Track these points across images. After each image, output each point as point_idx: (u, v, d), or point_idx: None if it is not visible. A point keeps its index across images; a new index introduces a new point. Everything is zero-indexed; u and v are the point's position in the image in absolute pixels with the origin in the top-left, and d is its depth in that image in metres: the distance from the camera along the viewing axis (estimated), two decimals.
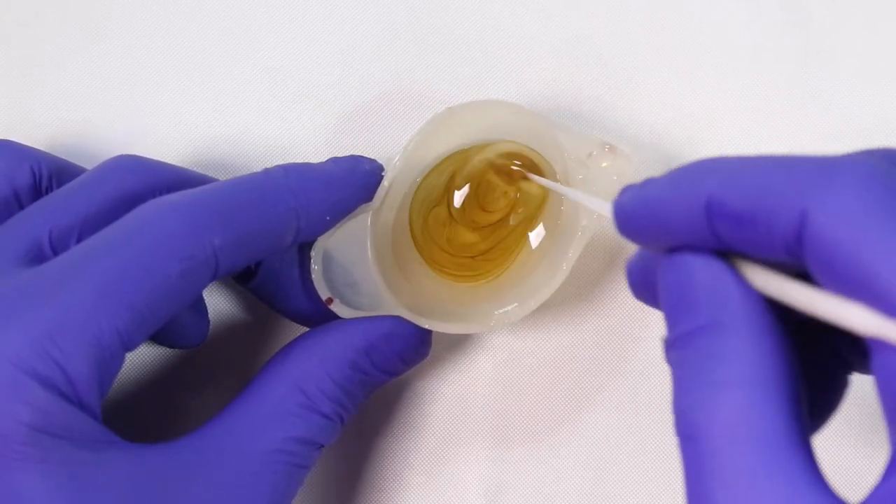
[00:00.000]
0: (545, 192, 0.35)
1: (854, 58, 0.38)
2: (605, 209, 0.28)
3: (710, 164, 0.24)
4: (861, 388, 0.28)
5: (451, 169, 0.35)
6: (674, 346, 0.24)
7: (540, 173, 0.35)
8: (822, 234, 0.22)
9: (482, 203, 0.35)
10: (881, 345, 0.21)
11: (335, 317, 0.33)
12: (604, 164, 0.34)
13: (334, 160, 0.33)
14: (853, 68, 0.38)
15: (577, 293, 0.37)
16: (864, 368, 0.28)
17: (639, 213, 0.25)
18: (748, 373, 0.22)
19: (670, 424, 0.36)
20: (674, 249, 0.25)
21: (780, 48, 0.38)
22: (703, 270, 0.24)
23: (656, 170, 0.37)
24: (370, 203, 0.34)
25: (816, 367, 0.27)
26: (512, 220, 0.35)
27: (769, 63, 0.38)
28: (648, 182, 0.26)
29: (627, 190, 0.26)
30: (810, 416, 0.26)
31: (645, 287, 0.28)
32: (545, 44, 0.39)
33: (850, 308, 0.21)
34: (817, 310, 0.22)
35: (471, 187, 0.35)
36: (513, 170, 0.35)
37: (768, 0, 0.39)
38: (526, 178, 0.35)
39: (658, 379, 0.37)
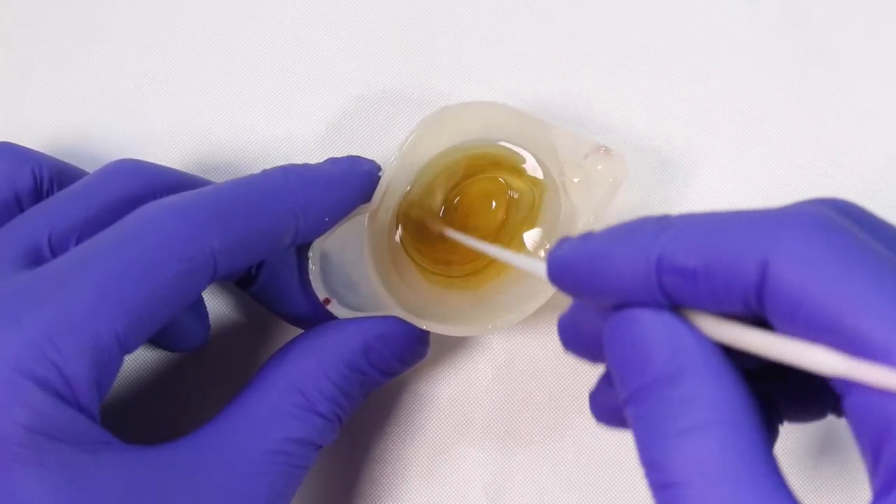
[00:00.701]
0: (538, 195, 0.35)
1: (854, 58, 0.38)
2: (537, 269, 0.27)
3: (655, 221, 0.24)
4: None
5: (440, 177, 0.35)
6: (631, 401, 0.24)
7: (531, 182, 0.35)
8: (785, 283, 0.22)
9: (472, 220, 0.35)
10: (850, 386, 0.21)
11: (334, 319, 0.33)
12: (599, 167, 0.34)
13: (332, 161, 0.33)
14: (853, 68, 0.38)
15: None
16: (797, 416, 0.28)
17: (579, 266, 0.25)
18: (716, 413, 0.22)
19: None
20: (616, 305, 0.25)
21: (780, 48, 0.38)
22: (655, 324, 0.24)
23: (651, 172, 0.38)
24: (368, 204, 0.34)
25: None
26: (503, 232, 0.35)
27: (769, 63, 0.38)
28: (589, 235, 0.25)
29: (564, 242, 0.26)
30: None
31: (577, 341, 0.28)
32: (541, 44, 0.39)
33: (814, 351, 0.21)
34: (780, 355, 0.22)
35: (460, 203, 0.35)
36: (431, 228, 0.35)
37: (769, 1, 0.39)
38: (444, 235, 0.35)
39: None
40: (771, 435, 0.28)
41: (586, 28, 0.39)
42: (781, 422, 0.28)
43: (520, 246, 0.35)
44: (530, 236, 0.35)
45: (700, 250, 0.23)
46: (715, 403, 0.22)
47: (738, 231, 0.23)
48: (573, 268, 0.25)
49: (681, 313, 0.24)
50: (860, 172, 0.38)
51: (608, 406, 0.28)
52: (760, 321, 0.23)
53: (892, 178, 0.37)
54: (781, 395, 0.28)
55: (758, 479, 0.22)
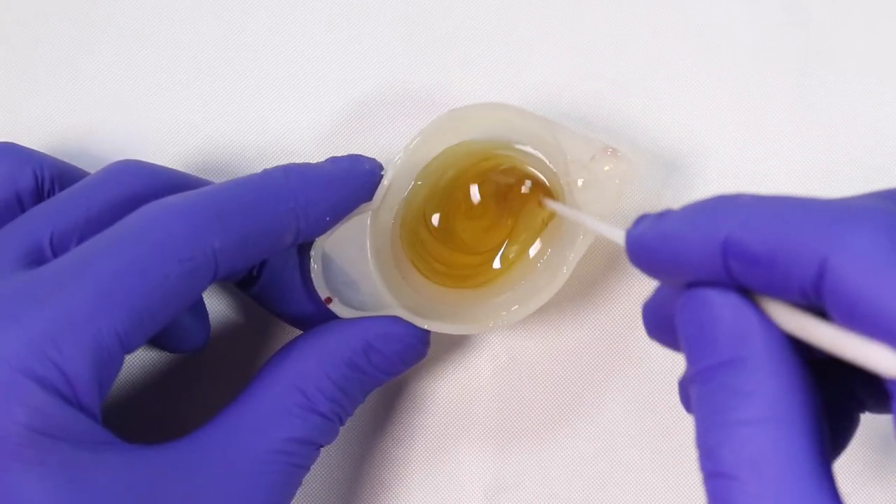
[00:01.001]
0: (551, 216, 0.35)
1: (854, 58, 0.38)
2: (617, 237, 0.27)
3: (727, 202, 0.24)
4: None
5: (445, 177, 0.35)
6: (695, 381, 0.24)
7: (546, 191, 0.35)
8: (843, 281, 0.22)
9: (479, 219, 0.35)
10: None
11: (335, 320, 0.33)
12: (606, 168, 0.34)
13: (333, 160, 0.33)
14: (853, 68, 0.38)
15: (577, 294, 0.37)
16: (877, 408, 0.28)
17: (653, 246, 0.25)
18: (773, 409, 0.22)
19: (669, 425, 0.36)
20: (691, 284, 0.25)
21: (780, 48, 0.38)
22: (724, 306, 0.24)
23: (657, 173, 0.37)
24: (370, 203, 0.34)
25: (829, 403, 0.27)
26: (513, 247, 0.35)
27: (770, 63, 0.38)
28: (665, 214, 0.25)
29: (643, 220, 0.26)
30: None
31: (661, 326, 0.28)
32: (547, 45, 0.39)
33: (874, 349, 0.21)
34: (841, 350, 0.22)
35: (466, 203, 0.35)
36: (527, 194, 0.35)
37: (769, 1, 0.39)
38: (541, 204, 0.35)
39: (658, 378, 0.37)
40: (851, 425, 0.28)
41: (587, 28, 0.39)
42: (863, 410, 0.28)
43: (525, 245, 0.35)
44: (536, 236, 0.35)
45: (764, 238, 0.23)
46: (773, 399, 0.23)
47: (803, 223, 0.23)
48: (648, 247, 0.25)
49: (750, 296, 0.24)
50: (860, 172, 0.38)
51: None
52: (820, 310, 0.23)
53: (894, 178, 0.37)
54: (861, 385, 0.28)
55: (806, 480, 0.22)
